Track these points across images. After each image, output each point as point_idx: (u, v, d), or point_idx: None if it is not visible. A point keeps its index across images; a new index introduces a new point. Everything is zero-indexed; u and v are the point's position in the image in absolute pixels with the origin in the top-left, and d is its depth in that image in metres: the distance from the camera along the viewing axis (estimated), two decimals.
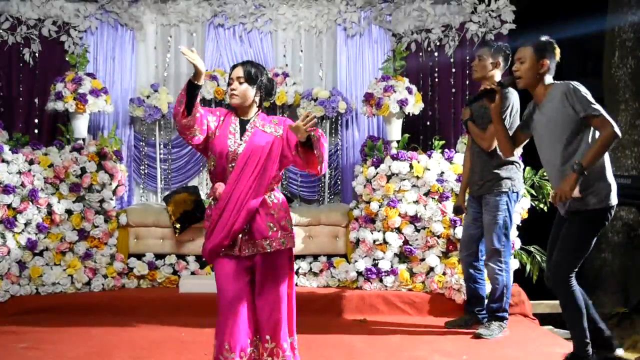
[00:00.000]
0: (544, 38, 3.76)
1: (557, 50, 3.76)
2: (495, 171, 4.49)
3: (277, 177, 3.40)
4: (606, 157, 3.62)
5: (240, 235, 3.30)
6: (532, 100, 3.85)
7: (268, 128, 3.36)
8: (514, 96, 4.42)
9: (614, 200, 3.63)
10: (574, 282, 3.68)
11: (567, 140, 3.60)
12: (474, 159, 4.65)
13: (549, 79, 3.75)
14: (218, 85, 6.19)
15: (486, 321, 4.63)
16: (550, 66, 3.72)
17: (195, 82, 3.21)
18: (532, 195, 5.52)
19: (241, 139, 3.33)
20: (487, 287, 4.77)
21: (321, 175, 6.41)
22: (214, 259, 3.35)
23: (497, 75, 4.58)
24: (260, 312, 3.34)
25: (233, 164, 3.30)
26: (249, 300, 3.35)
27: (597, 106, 3.54)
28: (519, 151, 4.57)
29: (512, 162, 4.52)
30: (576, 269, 3.68)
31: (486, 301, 4.74)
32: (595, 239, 3.68)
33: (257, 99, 3.41)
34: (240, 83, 3.36)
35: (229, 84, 3.38)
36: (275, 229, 3.32)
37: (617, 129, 3.49)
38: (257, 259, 3.32)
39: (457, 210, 4.96)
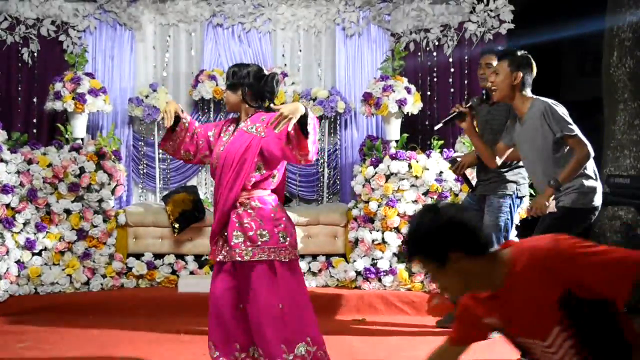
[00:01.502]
0: (519, 53, 3.82)
1: (533, 65, 3.82)
2: (503, 173, 4.48)
3: (258, 178, 3.26)
4: (591, 161, 3.72)
5: (217, 239, 3.31)
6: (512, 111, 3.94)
7: (253, 128, 3.28)
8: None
9: (597, 201, 3.73)
10: None
11: (550, 156, 3.70)
12: (480, 160, 4.61)
13: (527, 92, 3.81)
14: (217, 85, 6.19)
15: None
16: (525, 79, 3.78)
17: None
18: (531, 195, 5.51)
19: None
20: None
21: (319, 174, 6.46)
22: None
23: None
24: (250, 323, 3.27)
25: (217, 170, 3.31)
26: (234, 307, 3.30)
27: (574, 127, 3.65)
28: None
29: (520, 166, 4.52)
30: None
31: None
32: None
33: (241, 102, 3.34)
34: (225, 90, 3.38)
35: None
36: (240, 239, 3.21)
37: (590, 149, 3.63)
38: (235, 266, 3.28)
39: (453, 162, 4.75)
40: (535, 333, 2.01)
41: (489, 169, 4.50)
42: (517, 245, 2.02)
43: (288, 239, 3.27)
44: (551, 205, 3.63)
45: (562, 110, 3.70)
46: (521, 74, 3.77)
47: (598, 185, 3.73)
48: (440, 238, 1.94)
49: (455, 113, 4.08)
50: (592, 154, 3.65)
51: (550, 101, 3.72)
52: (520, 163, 4.52)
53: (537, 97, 3.80)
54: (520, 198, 4.57)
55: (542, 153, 3.74)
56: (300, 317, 3.24)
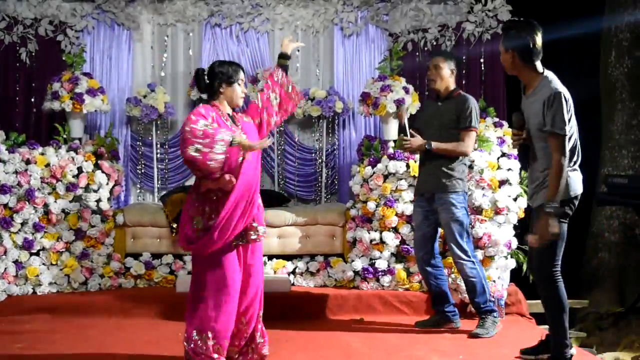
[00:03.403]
0: (512, 29, 3.72)
1: (531, 37, 3.64)
2: (448, 172, 4.54)
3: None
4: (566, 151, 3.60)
5: None
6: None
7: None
8: (471, 101, 4.56)
9: (578, 189, 3.63)
10: (559, 276, 3.67)
11: (540, 143, 3.63)
12: (424, 156, 4.67)
13: (532, 65, 3.66)
14: None
15: (479, 320, 4.63)
16: (522, 54, 3.65)
17: None
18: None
19: None
20: (447, 283, 4.85)
21: (317, 174, 6.47)
22: None
23: (452, 81, 4.66)
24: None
25: None
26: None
27: (567, 128, 3.49)
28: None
29: (462, 163, 4.60)
30: (558, 262, 3.66)
31: (452, 299, 4.80)
32: (566, 227, 3.64)
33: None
34: None
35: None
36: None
37: (565, 161, 3.48)
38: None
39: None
40: None
41: (433, 162, 4.57)
42: None
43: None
44: (552, 225, 3.48)
45: (565, 104, 3.51)
46: (512, 51, 3.68)
47: (575, 174, 3.61)
48: None
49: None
50: (565, 164, 3.49)
51: (561, 89, 3.54)
52: (462, 160, 4.59)
53: (551, 78, 3.61)
54: (465, 192, 4.65)
55: (535, 137, 3.67)
56: None
